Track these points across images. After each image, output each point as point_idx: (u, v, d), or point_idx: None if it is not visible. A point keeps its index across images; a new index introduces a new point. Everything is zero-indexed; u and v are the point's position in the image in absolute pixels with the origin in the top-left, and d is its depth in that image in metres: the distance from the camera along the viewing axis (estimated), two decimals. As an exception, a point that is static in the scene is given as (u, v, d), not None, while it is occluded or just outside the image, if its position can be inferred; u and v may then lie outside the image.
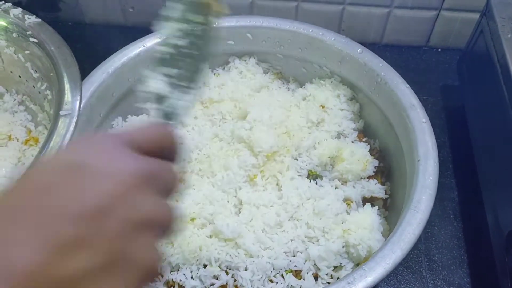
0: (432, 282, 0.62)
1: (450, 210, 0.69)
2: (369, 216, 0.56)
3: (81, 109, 0.57)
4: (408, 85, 0.61)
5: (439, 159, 0.73)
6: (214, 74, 0.73)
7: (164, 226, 0.29)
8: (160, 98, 0.36)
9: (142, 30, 0.69)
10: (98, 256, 0.24)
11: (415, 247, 0.65)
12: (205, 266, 0.54)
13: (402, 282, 0.62)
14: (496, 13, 0.67)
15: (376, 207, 0.60)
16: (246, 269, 0.53)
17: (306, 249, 0.55)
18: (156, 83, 0.36)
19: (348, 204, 0.59)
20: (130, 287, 0.26)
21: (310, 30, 0.68)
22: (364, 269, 0.45)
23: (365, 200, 0.61)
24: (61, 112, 0.56)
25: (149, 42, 0.67)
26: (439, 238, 0.66)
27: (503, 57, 0.62)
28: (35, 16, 0.66)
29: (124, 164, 0.27)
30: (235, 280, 0.53)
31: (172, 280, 0.54)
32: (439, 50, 0.90)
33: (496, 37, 0.65)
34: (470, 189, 0.69)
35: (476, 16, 0.72)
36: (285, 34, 0.69)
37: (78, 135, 0.56)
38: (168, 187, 0.30)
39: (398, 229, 0.48)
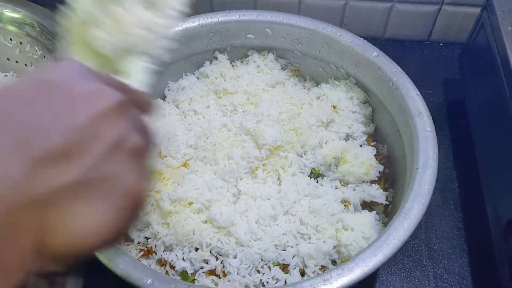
0: (432, 270, 0.63)
1: (450, 200, 0.70)
2: (364, 218, 0.56)
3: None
4: (419, 93, 0.61)
5: (441, 151, 0.75)
6: (233, 66, 0.74)
7: (145, 151, 0.28)
8: None
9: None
10: (79, 172, 0.24)
11: (416, 237, 0.67)
12: (196, 249, 0.56)
13: (403, 271, 0.64)
14: (497, 7, 0.67)
15: (374, 212, 0.60)
16: (235, 257, 0.54)
17: (296, 244, 0.55)
18: None
19: (346, 206, 0.60)
20: (111, 210, 0.25)
21: (329, 30, 0.68)
22: (342, 269, 0.45)
23: (365, 205, 0.61)
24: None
25: None
26: (439, 228, 0.67)
27: (503, 50, 0.63)
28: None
29: (101, 87, 0.27)
30: (223, 266, 0.54)
31: (164, 259, 0.56)
32: (441, 44, 0.91)
33: (497, 30, 0.66)
34: (471, 180, 0.70)
35: (478, 10, 0.73)
36: (304, 32, 0.69)
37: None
38: (144, 110, 0.30)
39: (384, 234, 0.48)
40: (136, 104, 0.29)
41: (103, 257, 0.47)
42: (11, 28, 0.70)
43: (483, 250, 0.64)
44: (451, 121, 0.80)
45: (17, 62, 0.73)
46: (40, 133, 0.23)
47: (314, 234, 0.56)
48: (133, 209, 0.26)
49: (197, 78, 0.73)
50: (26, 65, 0.73)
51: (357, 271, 0.45)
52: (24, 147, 0.22)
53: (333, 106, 0.68)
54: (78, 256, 0.24)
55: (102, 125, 0.25)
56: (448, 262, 0.64)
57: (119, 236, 0.26)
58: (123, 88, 0.28)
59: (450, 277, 0.63)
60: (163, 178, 0.61)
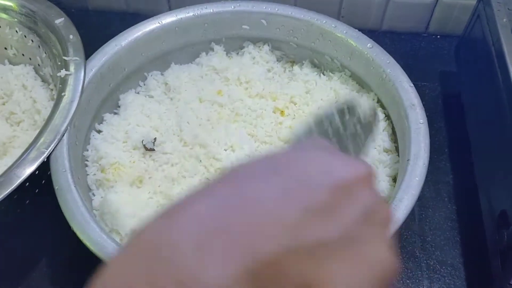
0: (425, 262, 0.63)
1: (444, 193, 0.70)
2: None
3: (91, 77, 0.61)
4: (412, 84, 0.61)
5: (436, 143, 0.75)
6: (228, 57, 0.74)
7: (385, 226, 0.27)
8: None
9: (144, 17, 0.71)
10: (337, 231, 0.23)
11: (409, 228, 0.67)
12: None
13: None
14: (493, -2, 0.67)
15: None
16: None
17: None
18: None
19: None
20: (360, 275, 0.23)
21: (324, 21, 0.68)
22: None
23: None
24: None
25: (165, 20, 0.68)
26: (433, 220, 0.67)
27: (498, 41, 0.63)
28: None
29: (355, 159, 0.30)
30: None
31: None
32: (438, 36, 0.90)
33: (492, 21, 0.65)
34: (465, 172, 0.70)
35: (474, 1, 0.72)
36: (299, 24, 0.69)
37: (83, 104, 0.59)
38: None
39: None
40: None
41: (93, 246, 0.47)
42: (-14, 9, 0.69)
43: (476, 242, 0.64)
44: (446, 114, 0.79)
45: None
46: (308, 187, 0.24)
47: None
48: (381, 282, 0.24)
49: (192, 68, 0.73)
50: (5, 48, 0.72)
51: (346, 261, 0.45)
52: (295, 198, 0.23)
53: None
54: None
55: (359, 190, 0.25)
56: (441, 253, 0.64)
57: None
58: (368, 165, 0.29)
59: (443, 268, 0.63)
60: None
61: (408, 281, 0.62)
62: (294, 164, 0.25)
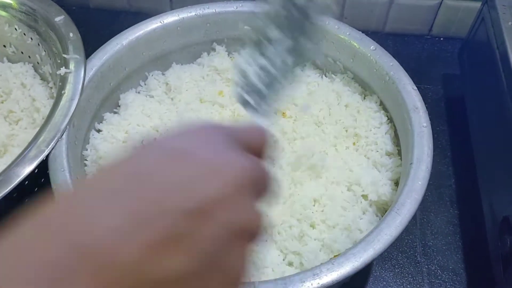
0: (426, 266, 0.63)
1: (446, 197, 0.70)
2: None
3: (91, 75, 0.60)
4: (415, 87, 0.60)
5: (438, 147, 0.75)
6: (230, 58, 0.73)
7: (255, 236, 0.25)
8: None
9: (145, 16, 0.70)
10: (193, 260, 0.21)
11: (411, 233, 0.66)
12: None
13: (397, 266, 0.63)
14: (498, 1, 0.67)
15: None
16: None
17: None
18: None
19: None
20: None
21: (326, 23, 0.67)
22: (332, 264, 0.45)
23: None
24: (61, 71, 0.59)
25: (167, 19, 0.68)
26: (435, 224, 0.67)
27: (503, 44, 0.62)
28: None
29: (232, 159, 0.24)
30: None
31: None
32: (442, 39, 0.90)
33: (497, 25, 0.65)
34: (467, 176, 0.70)
35: (478, 4, 0.72)
36: None
37: (83, 103, 0.58)
38: (264, 192, 0.27)
39: (376, 229, 0.48)
40: (264, 181, 0.27)
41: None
42: (-16, 7, 0.68)
43: (478, 247, 0.63)
44: (449, 117, 0.79)
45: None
46: (160, 212, 0.21)
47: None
48: None
49: (193, 69, 0.73)
50: (4, 46, 0.72)
51: (347, 266, 0.45)
52: (140, 228, 0.21)
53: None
54: None
55: (225, 210, 0.23)
56: (443, 258, 0.64)
57: None
58: (258, 164, 0.26)
59: (444, 274, 0.62)
60: None
61: (408, 286, 0.61)
62: (150, 176, 0.22)
